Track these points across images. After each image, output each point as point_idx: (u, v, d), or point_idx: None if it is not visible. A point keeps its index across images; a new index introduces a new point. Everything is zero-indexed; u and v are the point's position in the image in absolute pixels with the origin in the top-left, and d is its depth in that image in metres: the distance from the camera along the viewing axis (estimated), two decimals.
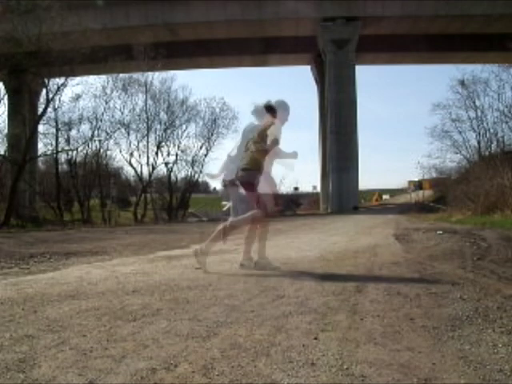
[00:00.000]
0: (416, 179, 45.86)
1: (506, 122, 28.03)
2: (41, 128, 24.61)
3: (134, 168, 28.46)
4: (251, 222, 3.99)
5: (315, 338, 2.00)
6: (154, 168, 28.12)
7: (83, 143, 26.53)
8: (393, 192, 57.98)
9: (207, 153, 29.73)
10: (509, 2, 25.36)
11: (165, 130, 28.40)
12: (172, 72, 31.74)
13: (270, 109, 4.07)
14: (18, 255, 5.98)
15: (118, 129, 27.42)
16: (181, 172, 30.07)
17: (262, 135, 3.92)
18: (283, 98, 4.26)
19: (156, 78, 28.49)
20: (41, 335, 2.13)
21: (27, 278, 3.88)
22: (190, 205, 31.99)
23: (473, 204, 13.21)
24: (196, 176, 30.14)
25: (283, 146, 4.17)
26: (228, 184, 4.11)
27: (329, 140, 29.83)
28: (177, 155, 28.85)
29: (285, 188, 37.67)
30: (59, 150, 25.70)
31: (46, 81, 21.17)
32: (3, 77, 21.74)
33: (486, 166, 15.57)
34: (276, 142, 3.90)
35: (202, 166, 29.74)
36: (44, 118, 23.23)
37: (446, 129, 29.98)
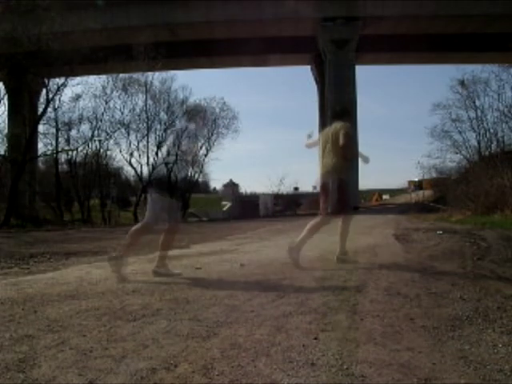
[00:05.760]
0: (416, 179, 45.86)
1: (506, 122, 27.97)
2: (41, 128, 24.61)
3: (133, 168, 28.41)
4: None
5: (315, 338, 2.00)
6: (153, 168, 28.08)
7: (83, 143, 26.51)
8: (393, 192, 57.88)
9: (207, 153, 29.76)
10: (509, 1, 25.34)
11: (165, 130, 28.38)
12: (172, 72, 31.70)
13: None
14: (18, 255, 5.98)
15: (118, 129, 27.41)
16: (181, 172, 30.03)
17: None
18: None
19: (156, 78, 28.48)
20: (41, 335, 2.13)
21: (27, 278, 3.88)
22: (190, 205, 32.00)
23: (473, 204, 13.19)
24: (196, 176, 30.17)
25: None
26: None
27: None
28: (177, 155, 28.80)
29: (285, 188, 37.71)
30: (59, 150, 25.71)
31: (46, 81, 21.15)
32: (3, 77, 21.69)
33: (486, 166, 15.55)
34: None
35: (202, 166, 29.78)
36: (44, 118, 23.22)
37: (446, 129, 29.92)
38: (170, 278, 3.61)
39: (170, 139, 4.19)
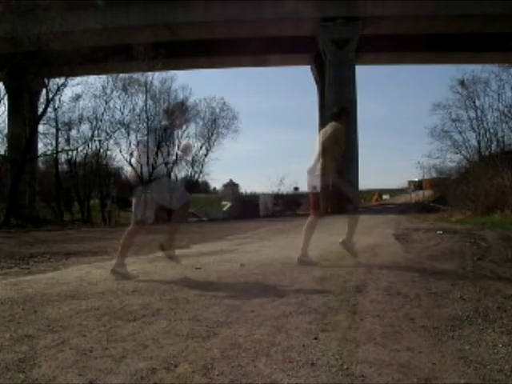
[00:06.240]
0: (416, 179, 45.87)
1: (506, 122, 28.00)
2: (41, 128, 24.59)
3: (134, 168, 28.38)
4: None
5: (315, 338, 2.00)
6: (153, 168, 28.05)
7: (83, 143, 26.47)
8: (393, 192, 57.82)
9: (207, 153, 29.83)
10: (509, 1, 25.33)
11: (165, 130, 28.39)
12: (172, 72, 31.69)
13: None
14: (18, 255, 5.98)
15: (118, 129, 27.35)
16: (181, 172, 30.11)
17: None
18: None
19: (156, 78, 28.42)
20: (41, 335, 2.13)
21: (27, 278, 3.88)
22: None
23: (473, 204, 13.18)
24: (196, 176, 30.20)
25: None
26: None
27: None
28: (177, 155, 28.85)
29: (285, 188, 37.72)
30: (59, 149, 25.69)
31: (46, 81, 21.15)
32: (3, 77, 21.69)
33: (486, 166, 15.54)
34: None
35: (202, 166, 29.81)
36: (44, 118, 23.20)
37: (446, 129, 29.95)
38: (169, 279, 3.62)
39: (152, 138, 4.22)
